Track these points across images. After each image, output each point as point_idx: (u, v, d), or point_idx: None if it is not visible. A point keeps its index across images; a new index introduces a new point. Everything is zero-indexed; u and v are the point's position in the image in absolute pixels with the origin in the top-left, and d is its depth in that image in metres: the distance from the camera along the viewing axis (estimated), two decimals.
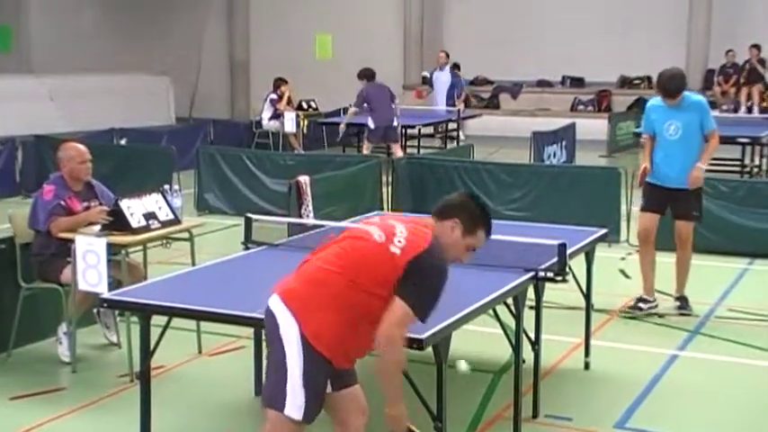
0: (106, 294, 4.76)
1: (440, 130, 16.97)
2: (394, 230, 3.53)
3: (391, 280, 3.44)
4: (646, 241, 6.89)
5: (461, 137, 16.87)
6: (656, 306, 6.94)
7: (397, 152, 12.79)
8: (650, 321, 6.84)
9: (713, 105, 18.18)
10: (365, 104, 12.97)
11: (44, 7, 21.87)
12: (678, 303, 6.98)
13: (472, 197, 3.82)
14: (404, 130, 15.32)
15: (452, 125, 16.40)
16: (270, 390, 3.53)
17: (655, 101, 6.91)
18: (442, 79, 16.58)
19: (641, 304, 6.99)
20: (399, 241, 3.49)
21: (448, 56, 16.91)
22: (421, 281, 3.44)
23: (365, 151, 13.09)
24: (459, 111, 16.43)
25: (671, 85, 6.63)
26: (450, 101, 16.59)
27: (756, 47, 17.79)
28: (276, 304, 3.51)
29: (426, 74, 21.22)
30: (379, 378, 3.51)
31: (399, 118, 13.12)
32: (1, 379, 5.62)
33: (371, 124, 12.92)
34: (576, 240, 5.42)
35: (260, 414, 5.37)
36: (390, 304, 3.43)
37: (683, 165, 6.69)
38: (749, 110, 17.87)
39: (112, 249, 5.59)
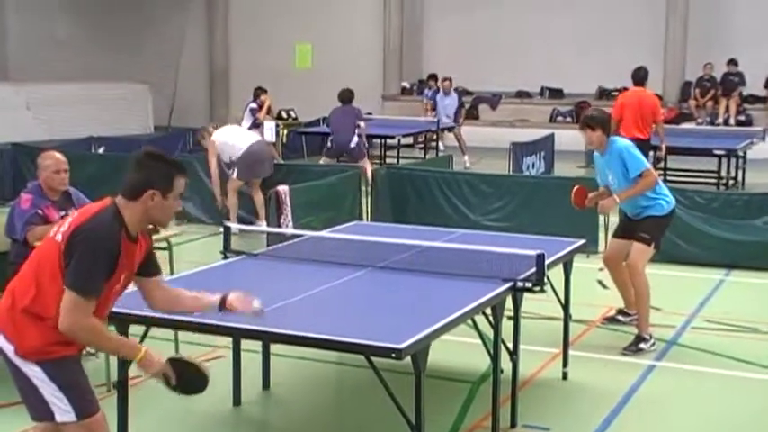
0: None
1: (419, 140, 17.01)
2: (66, 218, 3.55)
3: (61, 268, 3.42)
4: (609, 266, 6.83)
5: (441, 147, 16.92)
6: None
7: (366, 168, 12.78)
8: (628, 332, 6.86)
9: (689, 118, 18.40)
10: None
11: (21, 15, 21.77)
12: (632, 339, 6.54)
13: (150, 156, 3.59)
14: (383, 141, 15.35)
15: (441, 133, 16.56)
16: (31, 406, 3.55)
17: (595, 154, 6.74)
18: (449, 104, 16.57)
19: (620, 317, 7.01)
20: (62, 227, 3.48)
21: (451, 81, 16.85)
22: (73, 260, 3.37)
23: (321, 161, 13.29)
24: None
25: (584, 118, 6.49)
26: (457, 120, 16.67)
27: (733, 61, 17.99)
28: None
29: (406, 84, 21.33)
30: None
31: (361, 137, 13.05)
32: None
33: (329, 143, 13.35)
34: (554, 251, 5.45)
35: (239, 424, 5.38)
36: (65, 294, 3.40)
37: (631, 204, 6.53)
38: (725, 122, 18.04)
39: None
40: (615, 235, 6.92)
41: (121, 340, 3.63)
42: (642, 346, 6.43)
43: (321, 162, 13.03)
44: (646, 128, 11.47)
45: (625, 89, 12.27)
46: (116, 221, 3.46)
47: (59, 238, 3.45)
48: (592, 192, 6.76)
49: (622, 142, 6.61)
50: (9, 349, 3.48)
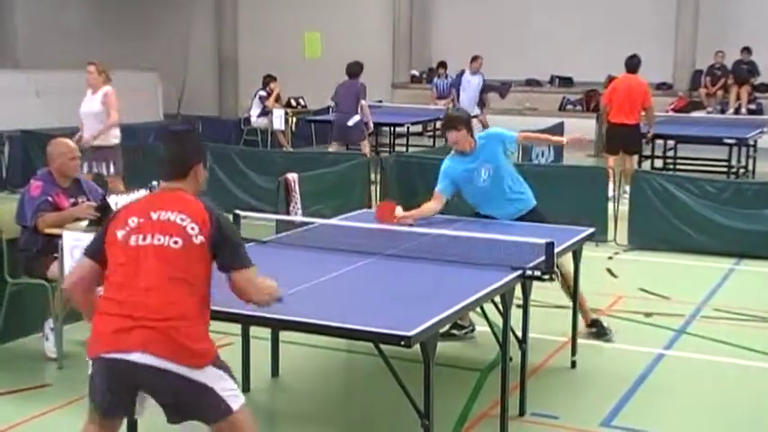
0: None
1: (428, 128, 16.98)
2: (180, 224, 3.51)
3: (210, 256, 3.51)
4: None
5: None
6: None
7: (364, 150, 12.39)
8: (637, 321, 6.87)
9: (700, 106, 18.34)
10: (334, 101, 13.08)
11: (30, 3, 21.78)
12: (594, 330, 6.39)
13: (182, 133, 3.89)
14: (392, 129, 15.33)
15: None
16: (207, 411, 3.45)
17: (450, 158, 6.29)
18: (474, 83, 16.43)
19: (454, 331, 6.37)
20: (193, 228, 3.50)
21: (480, 62, 16.72)
22: (231, 245, 3.55)
23: (330, 149, 12.89)
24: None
25: (447, 120, 6.25)
26: (480, 102, 16.61)
27: (747, 49, 17.91)
28: (149, 360, 3.36)
29: (415, 72, 21.28)
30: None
31: (360, 116, 12.59)
32: None
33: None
34: (563, 239, 5.43)
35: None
36: (238, 277, 3.54)
37: (505, 204, 6.19)
38: (737, 110, 17.96)
39: None
40: None
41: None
42: (605, 325, 6.39)
43: (330, 150, 12.90)
44: (634, 113, 11.85)
45: (613, 78, 12.39)
46: None
47: (201, 238, 3.47)
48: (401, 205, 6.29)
49: (488, 131, 6.49)
50: (184, 370, 3.37)
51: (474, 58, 16.65)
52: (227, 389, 3.46)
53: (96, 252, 3.62)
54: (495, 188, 6.16)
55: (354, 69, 12.77)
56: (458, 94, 16.44)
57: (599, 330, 6.40)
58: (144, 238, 3.49)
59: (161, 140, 3.81)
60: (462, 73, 16.78)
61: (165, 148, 3.78)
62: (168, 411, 3.51)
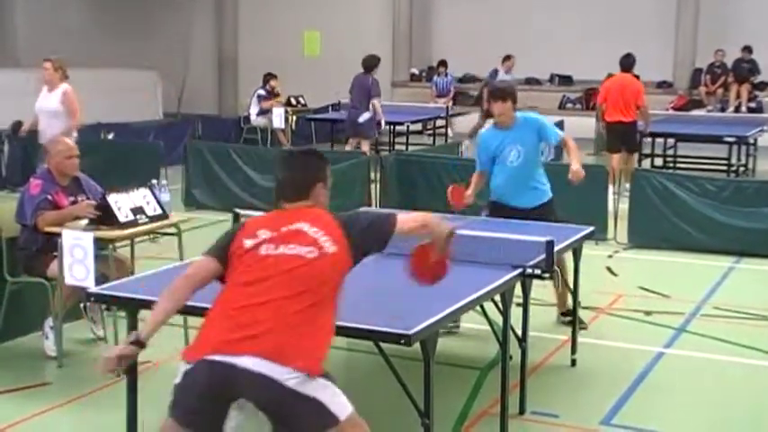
0: (93, 289, 4.75)
1: (428, 127, 16.99)
2: (313, 236, 3.44)
3: (348, 265, 3.50)
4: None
5: (450, 134, 16.90)
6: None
7: (363, 147, 12.28)
8: (637, 319, 6.86)
9: (700, 105, 18.34)
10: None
11: (30, 2, 21.77)
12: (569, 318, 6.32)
13: (307, 154, 3.89)
14: (392, 127, 15.32)
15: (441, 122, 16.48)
16: (314, 424, 3.27)
17: (486, 131, 6.53)
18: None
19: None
20: (325, 239, 3.44)
21: (513, 61, 16.79)
22: (373, 221, 3.68)
23: (347, 147, 12.76)
24: (447, 108, 16.45)
25: (494, 90, 6.38)
26: None
27: (747, 48, 17.91)
28: (255, 367, 3.19)
29: (415, 71, 21.26)
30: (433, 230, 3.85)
31: (371, 113, 12.46)
32: None
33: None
34: (563, 237, 5.43)
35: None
36: (402, 227, 3.69)
37: (525, 190, 6.34)
38: (737, 109, 17.95)
39: (99, 244, 5.57)
40: None
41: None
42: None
43: (346, 149, 12.72)
44: (629, 111, 11.92)
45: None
46: None
47: (334, 248, 3.42)
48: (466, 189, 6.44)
49: (536, 114, 6.60)
50: (289, 381, 3.20)
51: (507, 57, 16.69)
52: (334, 399, 3.30)
53: (222, 255, 3.52)
54: (521, 173, 6.28)
55: (368, 63, 12.56)
56: None
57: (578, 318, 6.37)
58: (276, 248, 3.40)
59: (282, 161, 3.80)
60: (496, 72, 16.80)
61: (284, 169, 3.70)
62: (271, 422, 3.32)
